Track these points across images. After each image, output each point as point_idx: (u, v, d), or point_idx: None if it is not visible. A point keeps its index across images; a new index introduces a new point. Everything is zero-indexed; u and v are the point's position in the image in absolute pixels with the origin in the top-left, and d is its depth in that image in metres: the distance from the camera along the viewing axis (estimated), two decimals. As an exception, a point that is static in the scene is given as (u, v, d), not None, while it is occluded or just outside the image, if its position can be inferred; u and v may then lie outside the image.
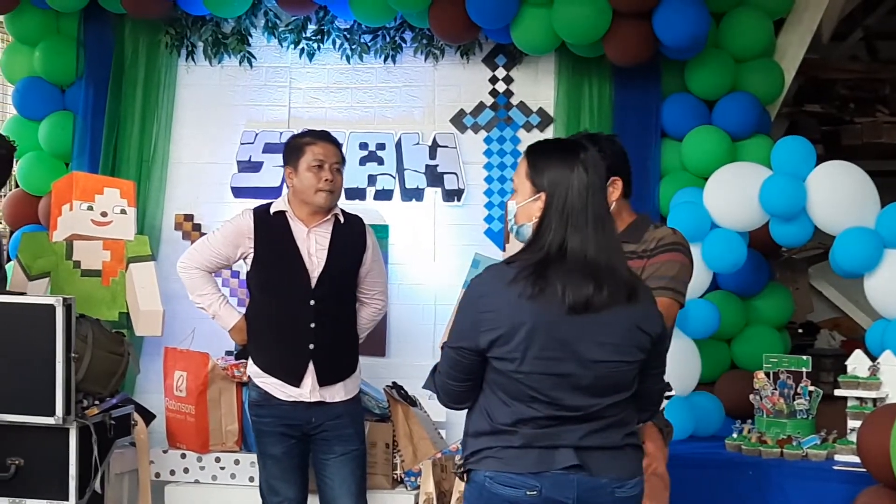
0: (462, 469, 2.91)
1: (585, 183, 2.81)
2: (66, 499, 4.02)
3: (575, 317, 2.73)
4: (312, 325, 4.37)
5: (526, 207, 2.87)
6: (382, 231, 5.61)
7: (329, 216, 4.47)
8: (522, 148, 5.72)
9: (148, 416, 5.11)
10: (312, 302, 4.38)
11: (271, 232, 4.45)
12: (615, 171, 3.74)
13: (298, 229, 4.44)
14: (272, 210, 4.48)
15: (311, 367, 4.36)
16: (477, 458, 2.84)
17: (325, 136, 4.52)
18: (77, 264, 5.42)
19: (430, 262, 5.80)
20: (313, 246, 4.43)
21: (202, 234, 5.78)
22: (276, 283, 4.44)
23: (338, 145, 4.53)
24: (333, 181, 4.40)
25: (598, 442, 2.80)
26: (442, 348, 2.95)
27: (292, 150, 4.49)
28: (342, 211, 4.54)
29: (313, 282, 4.38)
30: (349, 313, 4.56)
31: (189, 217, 5.93)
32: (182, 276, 4.58)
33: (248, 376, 4.54)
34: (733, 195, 5.06)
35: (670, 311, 3.39)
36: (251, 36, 5.94)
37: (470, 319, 2.81)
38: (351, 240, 4.53)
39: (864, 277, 4.90)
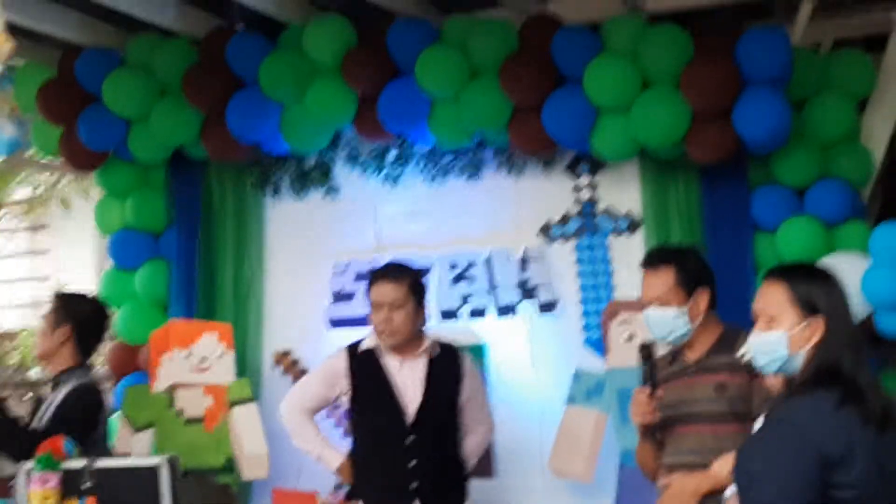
0: None
1: (848, 301, 2.82)
2: None
3: (881, 436, 2.68)
4: (412, 465, 4.31)
5: (798, 335, 2.81)
6: (479, 350, 5.56)
7: (419, 351, 4.43)
8: (614, 254, 5.64)
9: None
10: (409, 440, 4.32)
11: (364, 370, 4.42)
12: (702, 282, 3.79)
13: (391, 364, 4.40)
14: (361, 348, 4.46)
15: (416, 505, 4.30)
16: None
17: (381, 276, 4.41)
18: (180, 413, 5.44)
19: (531, 377, 5.69)
20: (408, 380, 4.38)
21: (301, 370, 5.81)
22: (372, 423, 4.41)
23: (397, 281, 4.36)
24: (388, 321, 4.33)
25: None
26: None
27: (366, 289, 4.48)
28: (437, 343, 4.50)
29: (409, 418, 4.33)
30: (452, 445, 4.49)
31: (287, 353, 5.96)
32: (285, 422, 4.59)
33: (360, 517, 4.49)
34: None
35: None
36: (333, 166, 6.00)
37: (808, 461, 2.63)
38: (447, 370, 4.47)
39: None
